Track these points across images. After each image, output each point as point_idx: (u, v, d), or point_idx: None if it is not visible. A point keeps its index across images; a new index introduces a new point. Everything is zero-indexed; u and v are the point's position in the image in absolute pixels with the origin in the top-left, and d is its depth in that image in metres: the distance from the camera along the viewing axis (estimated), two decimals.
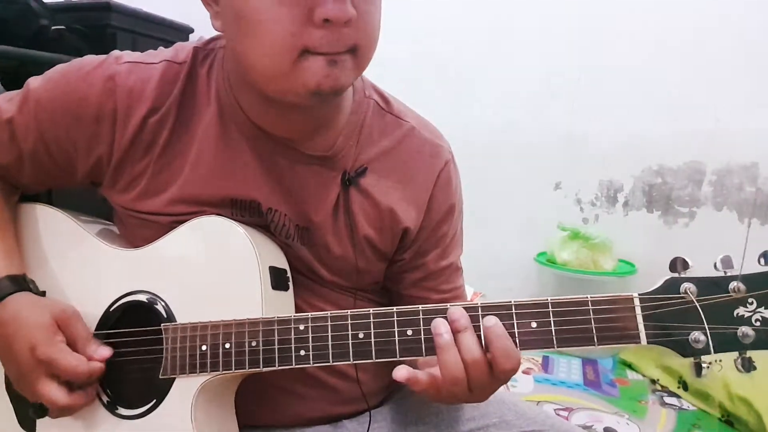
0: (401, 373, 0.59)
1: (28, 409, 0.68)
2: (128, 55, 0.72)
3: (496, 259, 2.17)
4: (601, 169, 2.18)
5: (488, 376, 0.58)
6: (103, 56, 0.72)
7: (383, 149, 0.75)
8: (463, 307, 0.59)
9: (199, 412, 0.65)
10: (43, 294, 0.72)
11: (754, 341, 0.53)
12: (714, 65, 1.98)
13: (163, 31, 2.10)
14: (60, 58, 1.74)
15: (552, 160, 2.20)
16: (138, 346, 0.68)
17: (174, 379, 0.66)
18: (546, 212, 2.19)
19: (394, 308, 0.61)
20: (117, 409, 0.68)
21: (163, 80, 0.70)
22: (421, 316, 0.60)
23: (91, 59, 0.72)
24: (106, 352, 0.67)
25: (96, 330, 0.70)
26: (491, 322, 0.58)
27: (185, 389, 0.65)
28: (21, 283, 0.69)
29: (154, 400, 0.67)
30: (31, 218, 0.77)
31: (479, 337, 0.59)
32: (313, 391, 0.76)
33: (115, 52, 0.73)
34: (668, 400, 1.70)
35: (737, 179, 2.03)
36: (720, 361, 1.83)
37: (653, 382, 1.79)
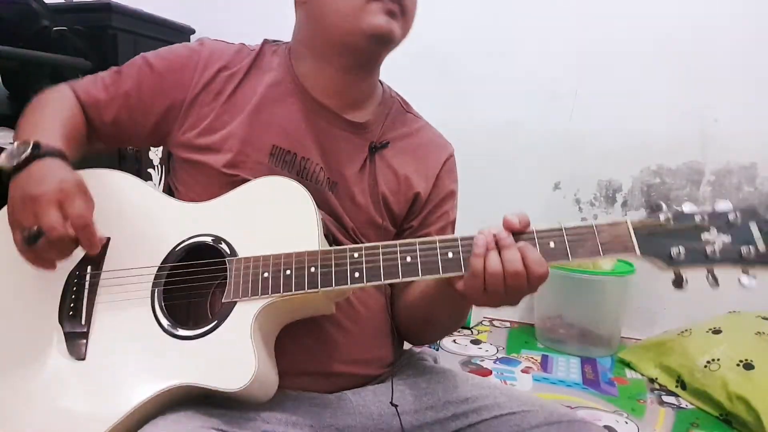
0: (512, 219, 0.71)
1: (24, 233, 0.69)
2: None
3: None
4: (600, 169, 2.18)
5: (525, 282, 0.69)
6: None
7: (403, 133, 0.93)
8: (497, 232, 0.69)
9: (256, 331, 0.70)
10: None
11: (720, 258, 0.68)
12: (713, 66, 1.99)
13: (164, 32, 2.11)
14: (61, 59, 1.75)
15: (551, 160, 2.21)
16: (201, 276, 0.75)
17: (235, 303, 0.72)
18: (545, 212, 2.20)
19: (437, 237, 0.71)
20: (177, 330, 0.73)
21: (238, 53, 0.90)
22: (459, 242, 0.70)
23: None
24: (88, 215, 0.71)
25: (162, 263, 0.77)
26: (521, 243, 0.69)
27: (246, 311, 0.71)
28: (65, 157, 0.76)
29: (216, 322, 0.72)
30: (102, 179, 0.83)
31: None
32: (317, 345, 0.82)
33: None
34: (667, 398, 1.70)
35: (736, 179, 2.04)
36: (718, 360, 1.82)
37: (652, 381, 1.80)
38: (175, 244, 0.78)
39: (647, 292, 2.04)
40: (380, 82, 0.96)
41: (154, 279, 0.76)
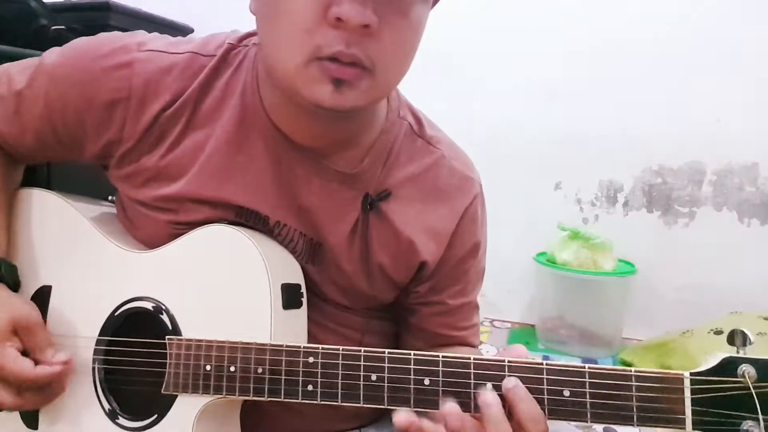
0: (402, 420, 0.52)
1: None
2: (152, 41, 0.69)
3: (495, 259, 2.15)
4: (601, 169, 2.17)
5: None
6: (127, 38, 0.68)
7: (409, 175, 0.71)
8: (489, 363, 0.53)
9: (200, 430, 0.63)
10: (17, 285, 0.71)
11: None
12: (714, 65, 1.98)
13: (163, 31, 2.08)
14: None
15: (552, 160, 2.20)
16: (141, 357, 0.66)
17: (176, 396, 0.64)
18: (546, 212, 2.19)
19: (411, 353, 0.56)
20: (118, 418, 0.67)
21: (184, 73, 0.66)
22: (440, 368, 0.54)
23: (112, 39, 0.68)
24: (60, 360, 0.65)
25: (100, 334, 0.69)
26: (512, 383, 0.52)
27: (188, 408, 0.63)
28: None
29: (156, 416, 0.65)
30: (39, 205, 0.75)
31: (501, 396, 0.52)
32: (315, 408, 0.74)
33: (140, 35, 0.70)
34: None
35: (737, 179, 2.03)
36: None
37: None
38: (114, 307, 0.69)
39: (649, 292, 2.03)
40: None
41: (93, 353, 0.68)
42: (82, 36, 0.71)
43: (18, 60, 0.73)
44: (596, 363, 1.90)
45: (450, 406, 0.52)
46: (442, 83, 2.24)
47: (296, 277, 0.68)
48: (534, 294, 2.20)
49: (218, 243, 0.66)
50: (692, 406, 0.48)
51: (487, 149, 2.18)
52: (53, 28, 1.65)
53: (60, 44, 0.72)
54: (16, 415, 0.71)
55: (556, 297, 2.05)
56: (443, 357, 0.55)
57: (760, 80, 1.95)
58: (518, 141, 2.21)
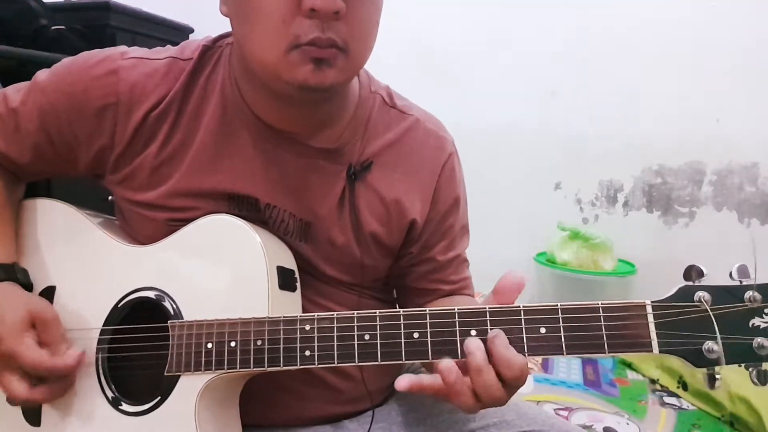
0: (403, 383, 0.57)
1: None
2: (134, 50, 0.73)
3: (495, 259, 2.16)
4: (601, 169, 2.18)
5: (496, 383, 0.56)
6: (110, 50, 0.73)
7: (388, 142, 0.76)
8: (471, 311, 0.58)
9: (202, 410, 0.65)
10: (30, 286, 0.72)
11: None
12: (714, 65, 1.98)
13: (163, 31, 2.10)
14: (59, 58, 1.74)
15: (552, 160, 2.21)
16: (145, 343, 0.68)
17: (179, 376, 0.66)
18: (546, 212, 2.19)
19: (401, 310, 0.60)
20: (121, 405, 0.68)
21: (166, 76, 0.71)
22: (428, 320, 0.59)
23: (97, 53, 0.73)
24: (75, 353, 0.67)
25: (104, 325, 0.70)
26: (493, 334, 0.57)
27: (190, 387, 0.65)
28: (9, 271, 0.70)
29: (159, 398, 0.67)
30: (43, 212, 0.78)
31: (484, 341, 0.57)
32: (314, 391, 0.76)
33: (122, 47, 0.74)
34: (668, 400, 1.69)
35: (737, 179, 2.03)
36: None
37: (653, 382, 1.79)
38: (118, 299, 0.71)
39: (648, 292, 2.03)
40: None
41: (98, 344, 0.70)
42: (82, 36, 0.72)
43: (18, 59, 0.76)
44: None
45: (446, 362, 0.57)
46: (442, 83, 2.24)
47: (290, 263, 0.71)
48: (534, 294, 2.20)
49: (215, 229, 0.69)
50: (656, 330, 0.53)
51: (487, 149, 2.19)
52: (53, 28, 1.66)
53: (60, 44, 0.74)
54: (18, 413, 0.72)
55: (556, 297, 2.05)
56: (430, 311, 0.59)
57: (760, 80, 1.95)
58: (518, 141, 2.22)
